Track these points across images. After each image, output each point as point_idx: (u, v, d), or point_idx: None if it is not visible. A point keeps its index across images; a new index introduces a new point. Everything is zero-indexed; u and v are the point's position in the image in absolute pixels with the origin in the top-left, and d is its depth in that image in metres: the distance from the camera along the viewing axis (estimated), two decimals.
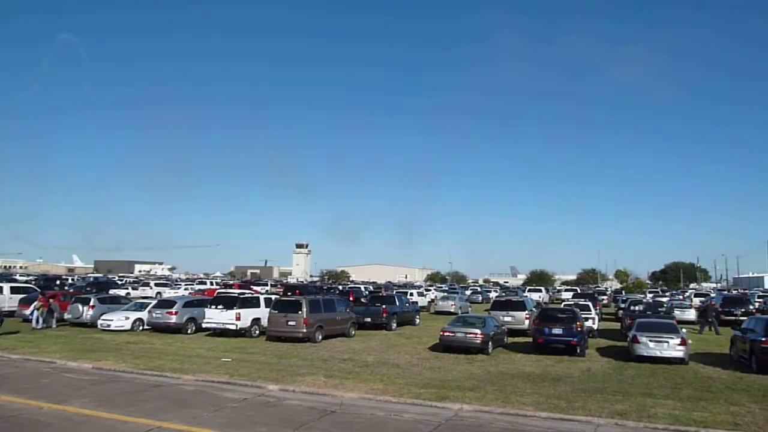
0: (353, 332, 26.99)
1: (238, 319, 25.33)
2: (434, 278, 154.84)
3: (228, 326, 25.41)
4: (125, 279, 79.12)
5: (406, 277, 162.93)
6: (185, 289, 55.33)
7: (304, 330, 23.63)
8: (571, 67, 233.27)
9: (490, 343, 21.66)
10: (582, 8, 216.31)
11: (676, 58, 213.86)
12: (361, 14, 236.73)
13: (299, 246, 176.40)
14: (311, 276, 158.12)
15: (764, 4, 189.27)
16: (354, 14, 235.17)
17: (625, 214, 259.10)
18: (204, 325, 26.32)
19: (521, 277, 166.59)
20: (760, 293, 65.92)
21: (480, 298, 63.17)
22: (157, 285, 58.93)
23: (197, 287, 56.87)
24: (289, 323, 23.83)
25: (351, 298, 39.60)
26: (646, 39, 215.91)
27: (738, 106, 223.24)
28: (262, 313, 25.97)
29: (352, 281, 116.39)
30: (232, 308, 25.73)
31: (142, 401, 12.92)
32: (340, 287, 62.86)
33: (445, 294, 54.40)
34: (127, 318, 27.67)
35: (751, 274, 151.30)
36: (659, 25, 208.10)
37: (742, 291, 76.11)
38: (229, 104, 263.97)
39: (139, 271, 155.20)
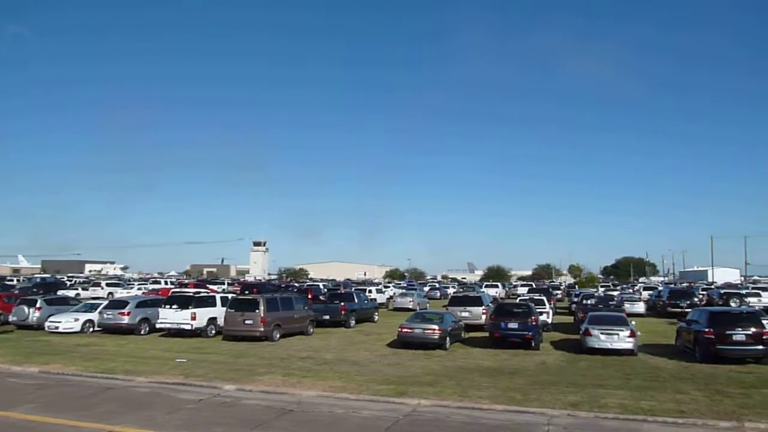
0: (312, 330, 26.86)
1: (193, 318, 24.87)
2: (393, 275, 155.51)
3: (183, 326, 24.91)
4: (75, 279, 76.49)
5: (365, 274, 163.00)
6: (138, 288, 53.94)
7: (262, 329, 23.38)
8: (535, 65, 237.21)
9: (447, 338, 21.91)
10: (548, 6, 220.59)
11: (638, 54, 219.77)
12: (324, 11, 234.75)
13: (257, 244, 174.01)
14: (269, 274, 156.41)
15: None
16: (317, 11, 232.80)
17: (580, 209, 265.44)
18: (158, 326, 25.71)
19: (478, 273, 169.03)
20: (704, 286, 68.73)
21: (438, 294, 63.78)
22: (108, 285, 57.14)
23: (151, 287, 55.52)
24: (246, 322, 23.54)
25: (309, 296, 39.32)
26: (609, 36, 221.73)
27: (692, 99, 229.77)
28: (219, 312, 25.57)
29: (311, 279, 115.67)
30: (187, 308, 25.22)
31: (94, 405, 12.55)
32: (298, 285, 62.39)
33: (404, 291, 54.76)
34: (76, 319, 26.78)
35: (696, 268, 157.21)
36: (622, 23, 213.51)
37: (688, 284, 79.24)
38: (188, 102, 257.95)
39: (90, 271, 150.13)
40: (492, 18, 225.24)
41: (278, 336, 24.15)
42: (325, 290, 47.49)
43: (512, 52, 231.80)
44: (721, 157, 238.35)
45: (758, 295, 44.19)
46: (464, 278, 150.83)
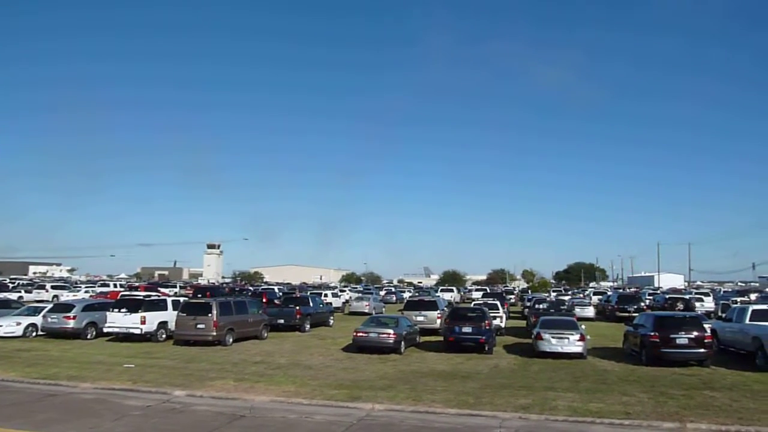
0: (266, 334, 26.51)
1: (143, 322, 24.17)
2: (349, 279, 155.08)
3: (132, 330, 24.18)
4: (18, 281, 73.38)
5: (321, 278, 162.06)
6: (86, 291, 52.14)
7: (214, 333, 22.93)
8: (497, 71, 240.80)
9: (402, 342, 21.97)
10: (511, 14, 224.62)
11: (596, 59, 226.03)
12: (288, 14, 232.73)
13: (211, 246, 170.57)
14: (223, 277, 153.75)
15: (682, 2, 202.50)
16: (280, 14, 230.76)
17: (533, 215, 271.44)
18: (105, 330, 24.86)
19: (434, 278, 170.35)
20: (650, 291, 71.28)
21: (394, 299, 63.89)
22: (54, 288, 55.06)
23: (99, 290, 53.71)
24: (198, 326, 23.03)
25: (264, 300, 38.85)
26: (569, 43, 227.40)
27: (646, 104, 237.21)
28: (170, 316, 24.92)
29: (266, 282, 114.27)
30: (136, 311, 24.49)
31: (33, 412, 12.02)
32: (253, 288, 61.52)
33: (360, 295, 54.68)
34: (18, 323, 25.69)
35: (643, 274, 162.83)
36: (580, 29, 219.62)
37: (636, 289, 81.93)
38: (145, 105, 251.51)
39: (34, 273, 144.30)
40: (455, 24, 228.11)
41: (231, 340, 23.72)
42: (281, 294, 46.97)
43: (474, 58, 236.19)
44: (668, 164, 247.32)
45: (701, 299, 46.08)
46: (420, 282, 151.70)
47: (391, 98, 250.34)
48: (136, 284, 70.48)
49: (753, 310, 20.88)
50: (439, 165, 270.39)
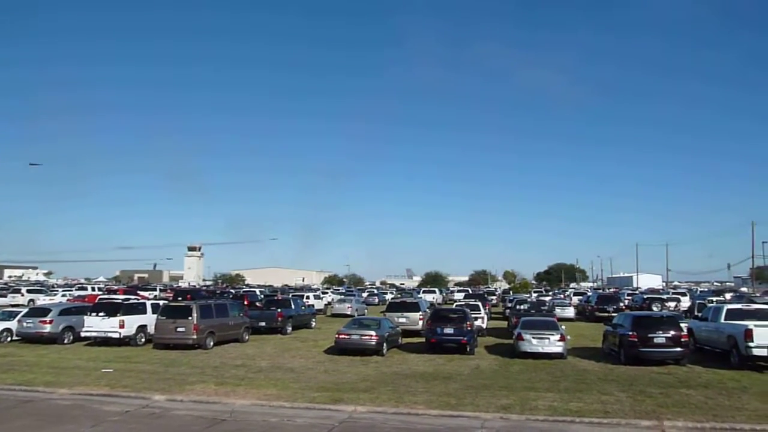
0: (247, 337, 26.35)
1: (121, 326, 23.86)
2: (331, 281, 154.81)
3: (110, 335, 23.85)
4: None
5: (303, 280, 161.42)
6: (63, 295, 51.28)
7: (194, 336, 22.73)
8: (482, 73, 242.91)
9: (384, 344, 21.98)
10: (495, 15, 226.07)
11: (582, 61, 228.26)
12: (274, 15, 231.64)
13: (191, 249, 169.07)
14: (204, 280, 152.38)
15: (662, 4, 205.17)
16: (264, 15, 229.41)
17: (516, 216, 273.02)
18: (83, 334, 24.49)
19: (417, 279, 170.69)
20: (629, 291, 72.23)
21: (376, 300, 63.89)
22: (30, 291, 54.06)
23: (77, 293, 52.90)
24: (178, 329, 22.81)
25: (245, 302, 38.56)
26: (553, 44, 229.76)
27: (633, 104, 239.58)
28: (149, 319, 24.65)
29: (248, 285, 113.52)
30: (115, 315, 24.18)
31: (9, 419, 11.81)
32: (234, 291, 61.06)
33: (342, 296, 54.59)
34: None
35: (622, 274, 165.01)
36: (565, 31, 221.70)
37: (615, 290, 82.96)
38: (126, 108, 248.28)
39: (9, 277, 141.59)
40: (442, 26, 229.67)
41: (212, 343, 23.53)
42: (262, 296, 46.69)
43: (461, 60, 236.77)
44: (647, 165, 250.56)
45: (678, 299, 46.79)
46: (403, 284, 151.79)
47: (378, 100, 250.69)
48: (115, 287, 69.53)
49: (728, 310, 21.26)
50: (424, 167, 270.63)
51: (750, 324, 18.57)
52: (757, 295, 64.13)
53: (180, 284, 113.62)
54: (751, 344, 17.94)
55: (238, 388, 15.09)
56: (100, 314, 24.47)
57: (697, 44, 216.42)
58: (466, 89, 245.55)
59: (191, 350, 22.56)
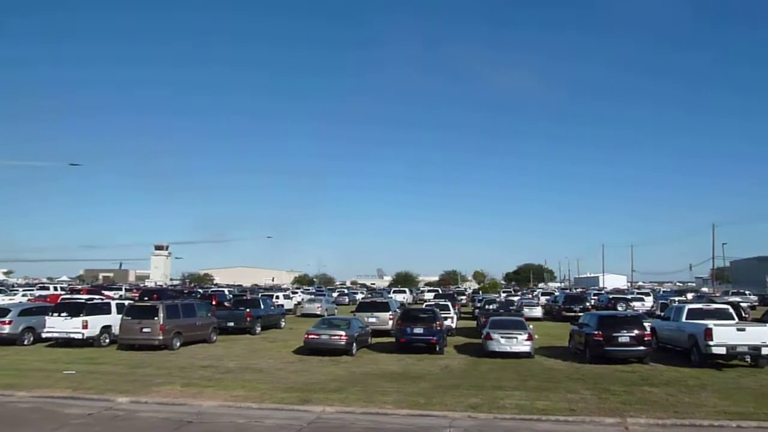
0: (215, 338, 26.02)
1: (84, 327, 23.31)
2: (302, 281, 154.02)
3: (73, 335, 23.27)
4: None
5: (273, 280, 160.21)
6: (23, 295, 49.82)
7: (161, 337, 22.35)
8: (457, 74, 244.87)
9: (354, 344, 21.97)
10: (471, 17, 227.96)
11: (554, 62, 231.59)
12: (252, 16, 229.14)
13: (159, 248, 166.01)
14: (171, 279, 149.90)
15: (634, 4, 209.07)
16: (239, 15, 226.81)
17: (486, 216, 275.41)
18: (44, 335, 23.85)
19: (387, 279, 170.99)
20: (595, 291, 73.63)
21: (347, 300, 63.82)
22: None
23: (38, 293, 51.47)
24: (144, 330, 22.40)
25: (214, 302, 38.11)
26: (526, 45, 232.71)
27: (604, 104, 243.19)
28: (114, 320, 24.13)
29: (217, 284, 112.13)
30: (78, 315, 23.60)
31: None
32: (202, 291, 60.26)
33: (312, 296, 54.36)
34: None
35: (589, 275, 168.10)
36: (543, 32, 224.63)
37: (582, 290, 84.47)
38: (94, 109, 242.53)
39: None
40: (417, 27, 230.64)
41: (179, 344, 23.17)
42: (231, 296, 46.19)
43: (436, 61, 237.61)
44: (614, 166, 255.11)
45: (642, 299, 47.89)
46: (373, 284, 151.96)
47: (352, 101, 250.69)
48: (78, 287, 67.89)
49: (689, 309, 21.85)
50: (396, 167, 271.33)
51: (710, 323, 19.11)
52: (717, 295, 66.13)
53: (146, 284, 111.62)
54: (710, 343, 18.47)
55: (205, 390, 14.88)
56: (63, 314, 23.85)
57: (667, 44, 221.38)
58: (440, 90, 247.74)
59: (157, 351, 22.18)
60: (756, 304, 57.29)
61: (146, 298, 37.66)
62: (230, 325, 28.99)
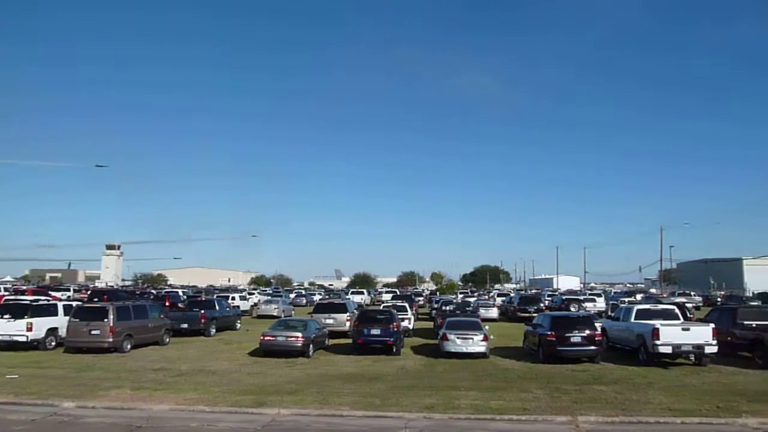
0: (168, 340, 25.43)
1: (29, 329, 22.43)
2: (259, 281, 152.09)
3: (16, 338, 22.36)
4: None
5: (229, 281, 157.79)
6: None
7: (110, 339, 21.69)
8: (407, 75, 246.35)
9: (311, 345, 21.82)
10: (424, 19, 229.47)
11: (510, 64, 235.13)
12: (203, 17, 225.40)
13: (110, 247, 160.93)
14: (123, 280, 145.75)
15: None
16: (195, 16, 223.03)
17: (443, 218, 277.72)
18: None
19: (346, 280, 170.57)
20: (549, 292, 75.18)
21: (304, 302, 63.39)
22: None
23: None
24: (93, 332, 21.70)
25: (167, 304, 37.25)
26: (481, 47, 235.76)
27: (563, 106, 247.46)
28: (61, 322, 23.30)
29: (171, 285, 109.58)
30: (22, 317, 22.71)
31: None
32: (155, 292, 58.83)
33: (269, 297, 53.75)
34: None
35: (543, 276, 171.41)
36: (491, 35, 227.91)
37: (536, 291, 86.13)
38: (47, 109, 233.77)
39: None
40: (373, 29, 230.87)
41: (129, 347, 22.54)
42: (185, 297, 45.24)
43: (385, 62, 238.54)
44: (570, 168, 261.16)
45: (593, 300, 49.15)
46: (331, 285, 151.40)
47: (308, 102, 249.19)
48: (24, 288, 65.25)
49: (638, 310, 22.53)
50: (354, 169, 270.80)
51: (657, 323, 19.78)
52: (665, 296, 68.47)
53: (97, 284, 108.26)
54: (657, 342, 19.12)
55: (156, 393, 14.51)
56: (6, 316, 22.90)
57: (625, 46, 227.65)
58: (395, 92, 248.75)
59: (107, 354, 21.52)
60: (700, 304, 59.58)
61: (96, 299, 36.52)
62: (184, 327, 28.41)
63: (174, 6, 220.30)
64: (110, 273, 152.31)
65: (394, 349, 22.20)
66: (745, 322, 21.20)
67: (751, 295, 71.23)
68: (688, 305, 36.98)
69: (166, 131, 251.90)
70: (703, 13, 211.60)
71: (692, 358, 19.87)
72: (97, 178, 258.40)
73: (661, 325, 19.59)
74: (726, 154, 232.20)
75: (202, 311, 29.78)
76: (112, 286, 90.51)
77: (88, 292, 50.11)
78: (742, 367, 19.07)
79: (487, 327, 23.14)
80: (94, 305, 24.96)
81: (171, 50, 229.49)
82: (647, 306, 24.47)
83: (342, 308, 29.73)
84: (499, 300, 54.70)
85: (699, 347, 19.15)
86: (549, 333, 20.24)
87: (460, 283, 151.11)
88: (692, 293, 74.34)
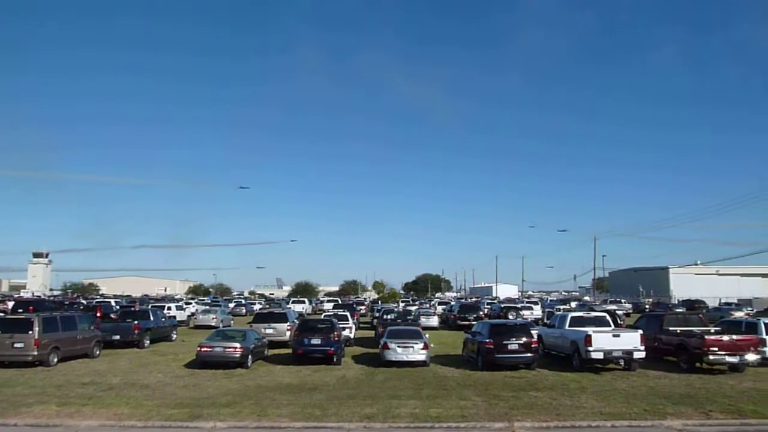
0: (98, 352, 24.33)
1: None
2: (197, 291, 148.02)
3: None
4: None
5: (165, 290, 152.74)
6: None
7: (35, 352, 20.54)
8: (365, 84, 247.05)
9: (250, 356, 21.39)
10: (378, 28, 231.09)
11: (458, 74, 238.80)
12: (155, 22, 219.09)
13: (37, 255, 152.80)
14: (51, 290, 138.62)
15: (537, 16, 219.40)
16: (146, 21, 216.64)
17: (386, 225, 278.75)
18: None
19: (287, 289, 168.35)
20: (489, 301, 76.69)
21: (244, 311, 62.13)
22: None
23: None
24: (16, 345, 20.50)
25: (98, 314, 35.71)
26: (435, 58, 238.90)
27: (507, 115, 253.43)
28: None
29: (102, 295, 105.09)
30: None
31: None
32: (86, 302, 56.29)
33: (207, 307, 52.40)
34: None
35: (483, 284, 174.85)
36: (448, 46, 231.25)
37: (476, 299, 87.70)
38: None
39: None
40: (326, 36, 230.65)
41: (56, 360, 21.43)
42: (118, 308, 43.50)
43: (343, 71, 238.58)
44: (510, 178, 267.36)
45: (531, 308, 50.46)
46: (272, 294, 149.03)
47: (257, 109, 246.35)
48: None
49: (572, 317, 23.30)
50: (296, 178, 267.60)
51: (590, 330, 20.51)
52: (597, 303, 71.16)
53: (22, 294, 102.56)
54: (590, 348, 19.82)
55: (84, 408, 13.84)
56: None
57: (572, 52, 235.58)
58: (347, 99, 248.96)
59: (31, 368, 20.37)
60: (630, 311, 62.24)
61: (20, 310, 34.63)
62: (116, 339, 27.31)
63: (110, 11, 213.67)
64: (37, 282, 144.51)
65: (335, 359, 22.06)
66: (671, 328, 22.31)
67: (676, 302, 75.12)
68: (618, 312, 38.53)
69: (102, 141, 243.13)
70: (644, 20, 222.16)
71: (622, 363, 20.69)
72: (27, 187, 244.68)
73: (594, 332, 20.33)
74: (657, 163, 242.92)
75: (136, 322, 28.70)
76: (38, 296, 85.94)
77: (12, 303, 47.45)
78: (668, 371, 20.02)
79: (427, 335, 23.34)
80: (17, 316, 23.69)
81: (108, 57, 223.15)
82: (581, 314, 25.32)
83: (282, 318, 29.32)
84: (440, 308, 55.26)
85: (628, 353, 19.98)
86: (487, 341, 20.61)
87: (402, 291, 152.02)
88: (623, 300, 77.55)
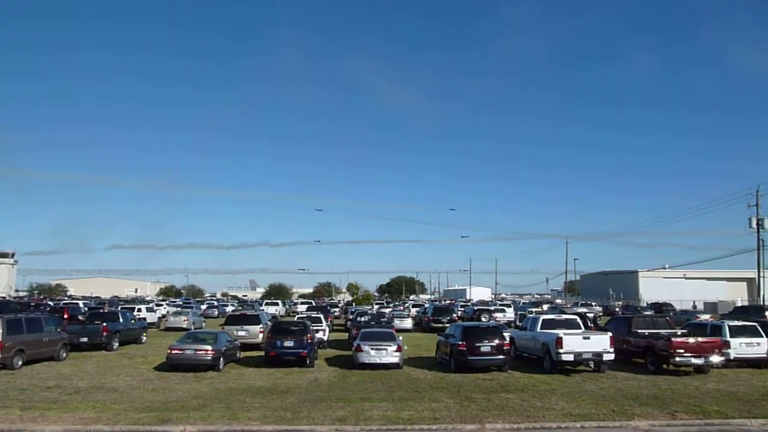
0: (65, 355, 23.81)
1: None
2: (168, 292, 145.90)
3: None
4: None
5: (136, 291, 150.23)
6: None
7: None
8: (346, 87, 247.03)
9: (221, 359, 21.13)
10: (360, 33, 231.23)
11: (439, 77, 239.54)
12: (137, 25, 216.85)
13: (2, 255, 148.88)
14: (17, 291, 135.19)
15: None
16: (129, 25, 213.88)
17: (362, 227, 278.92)
18: None
19: (260, 291, 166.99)
20: (462, 303, 77.13)
21: (216, 313, 61.46)
22: None
23: None
24: None
25: (66, 316, 34.95)
26: (415, 62, 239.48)
27: (487, 119, 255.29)
28: None
29: (71, 296, 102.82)
30: None
31: None
32: (53, 303, 55.03)
33: (178, 309, 51.65)
34: None
35: (457, 287, 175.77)
36: (429, 49, 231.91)
37: (450, 302, 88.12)
38: None
39: None
40: (308, 40, 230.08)
41: (20, 363, 20.89)
42: (86, 309, 42.62)
43: (325, 75, 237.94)
44: (489, 181, 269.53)
45: (503, 311, 50.91)
46: (245, 296, 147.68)
47: (238, 112, 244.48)
48: None
49: (543, 320, 23.54)
50: (276, 180, 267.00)
51: (560, 332, 20.76)
52: (569, 306, 72.13)
53: None
54: (560, 350, 20.07)
55: (48, 413, 13.52)
56: None
57: (550, 56, 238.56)
58: (327, 102, 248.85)
59: None
60: (601, 314, 63.20)
61: None
62: (83, 341, 26.75)
63: (95, 14, 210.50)
64: (2, 283, 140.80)
65: (308, 361, 21.93)
66: (639, 331, 22.73)
67: (645, 305, 76.60)
68: (589, 315, 39.08)
69: (73, 141, 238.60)
70: (620, 25, 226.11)
71: (592, 365, 21.00)
72: None
73: (564, 334, 20.59)
74: (629, 167, 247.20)
75: (104, 324, 28.11)
76: (3, 298, 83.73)
77: None
78: (636, 373, 20.39)
79: (401, 338, 23.37)
80: None
81: (94, 60, 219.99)
82: (552, 316, 25.59)
83: (255, 320, 29.09)
84: (413, 311, 55.33)
85: (598, 355, 20.29)
86: (460, 343, 20.72)
87: (376, 294, 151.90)
88: (593, 303, 78.78)
